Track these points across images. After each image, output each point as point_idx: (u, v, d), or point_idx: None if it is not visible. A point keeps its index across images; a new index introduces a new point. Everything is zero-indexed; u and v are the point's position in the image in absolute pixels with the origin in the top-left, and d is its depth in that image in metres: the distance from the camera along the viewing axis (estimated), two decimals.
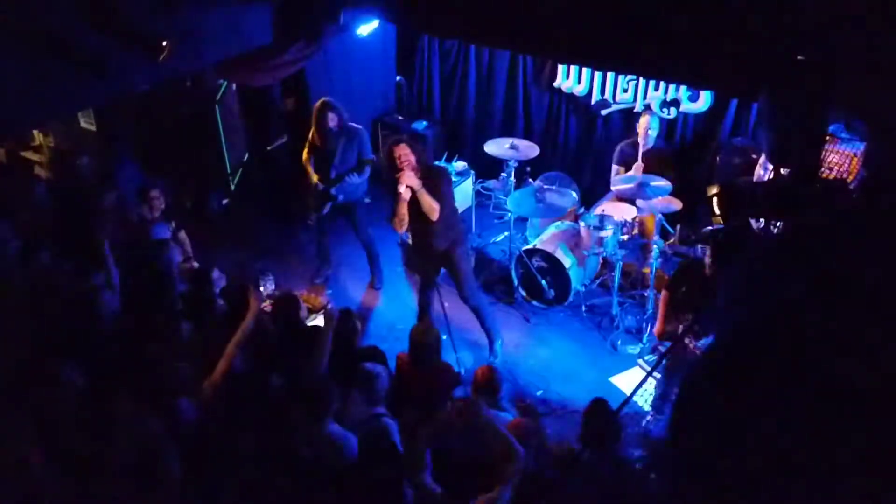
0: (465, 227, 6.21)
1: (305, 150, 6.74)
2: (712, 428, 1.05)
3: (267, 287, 6.52)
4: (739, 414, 1.03)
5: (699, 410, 1.08)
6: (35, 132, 8.09)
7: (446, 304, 5.87)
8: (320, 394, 4.05)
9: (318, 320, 6.10)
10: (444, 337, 5.86)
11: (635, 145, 6.95)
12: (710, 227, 5.44)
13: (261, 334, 4.58)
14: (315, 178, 6.65)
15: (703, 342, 5.00)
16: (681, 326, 5.22)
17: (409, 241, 5.99)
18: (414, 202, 5.43)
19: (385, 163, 5.57)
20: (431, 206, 5.42)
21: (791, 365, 1.00)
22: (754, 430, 1.01)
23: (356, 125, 6.63)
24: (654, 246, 6.61)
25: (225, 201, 8.30)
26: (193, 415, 3.98)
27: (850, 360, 0.97)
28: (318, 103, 6.52)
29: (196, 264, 6.22)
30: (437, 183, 5.51)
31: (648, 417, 5.56)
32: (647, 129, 6.78)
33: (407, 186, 5.34)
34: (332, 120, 6.43)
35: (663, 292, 5.47)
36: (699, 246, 6.58)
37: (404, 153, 5.40)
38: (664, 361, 5.49)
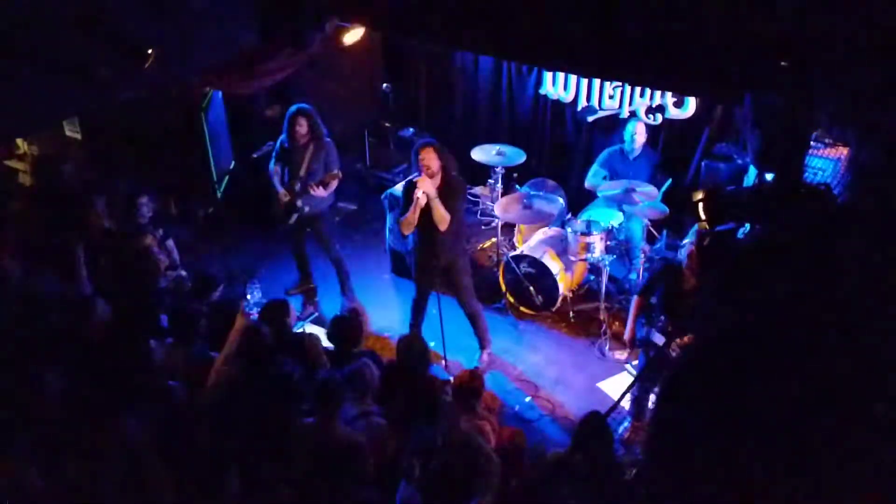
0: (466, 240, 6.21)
1: (273, 160, 6.65)
2: (696, 430, 1.05)
3: (254, 295, 6.49)
4: (724, 415, 1.03)
5: (682, 413, 1.08)
6: (19, 140, 8.03)
7: (434, 311, 5.88)
8: (332, 389, 4.07)
9: (306, 328, 6.09)
10: (433, 343, 5.88)
11: (623, 152, 7.00)
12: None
13: (254, 340, 4.55)
14: (281, 187, 6.53)
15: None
16: (653, 331, 5.22)
17: (412, 248, 5.95)
18: (426, 209, 5.44)
19: (411, 163, 5.53)
20: (443, 216, 5.43)
21: (776, 367, 1.01)
22: (739, 431, 1.01)
23: (327, 138, 6.49)
24: (641, 251, 6.64)
25: (211, 209, 8.27)
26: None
27: (837, 360, 0.97)
28: (292, 109, 6.43)
29: (183, 272, 6.20)
30: (453, 195, 5.53)
31: (626, 424, 5.56)
32: (633, 134, 6.84)
33: (423, 193, 5.34)
34: (301, 126, 6.33)
35: (635, 297, 5.48)
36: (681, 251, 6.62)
37: (429, 157, 5.39)
38: (642, 367, 5.53)
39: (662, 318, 5.11)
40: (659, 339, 5.08)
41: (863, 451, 0.94)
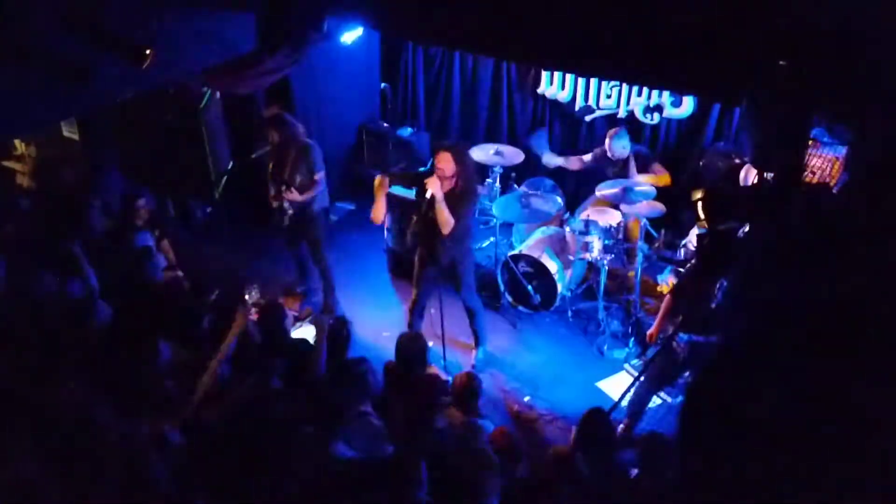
0: (472, 244, 6.16)
1: (271, 163, 6.65)
2: (722, 430, 1.05)
3: (252, 296, 6.49)
4: (749, 416, 1.04)
5: (708, 416, 1.08)
6: (17, 142, 8.01)
7: (433, 311, 5.88)
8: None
9: (303, 330, 6.08)
10: (431, 344, 5.88)
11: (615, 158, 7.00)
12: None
13: (245, 345, 4.54)
14: (273, 190, 6.54)
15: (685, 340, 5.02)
16: (670, 328, 5.23)
17: (412, 247, 5.93)
18: (432, 209, 5.45)
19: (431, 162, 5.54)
20: (446, 220, 5.43)
21: (794, 365, 1.01)
22: (763, 430, 1.02)
23: (308, 140, 6.41)
24: (639, 250, 6.65)
25: (209, 209, 8.26)
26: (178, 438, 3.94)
27: (849, 358, 0.98)
28: (264, 119, 6.39)
29: (180, 273, 6.20)
30: (461, 200, 5.51)
31: (624, 422, 5.55)
32: (611, 148, 6.85)
33: (431, 193, 5.36)
34: (272, 135, 6.35)
35: (667, 296, 5.46)
36: (681, 250, 6.64)
37: (443, 161, 5.41)
38: (650, 367, 5.51)
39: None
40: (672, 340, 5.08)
41: (870, 452, 0.95)
